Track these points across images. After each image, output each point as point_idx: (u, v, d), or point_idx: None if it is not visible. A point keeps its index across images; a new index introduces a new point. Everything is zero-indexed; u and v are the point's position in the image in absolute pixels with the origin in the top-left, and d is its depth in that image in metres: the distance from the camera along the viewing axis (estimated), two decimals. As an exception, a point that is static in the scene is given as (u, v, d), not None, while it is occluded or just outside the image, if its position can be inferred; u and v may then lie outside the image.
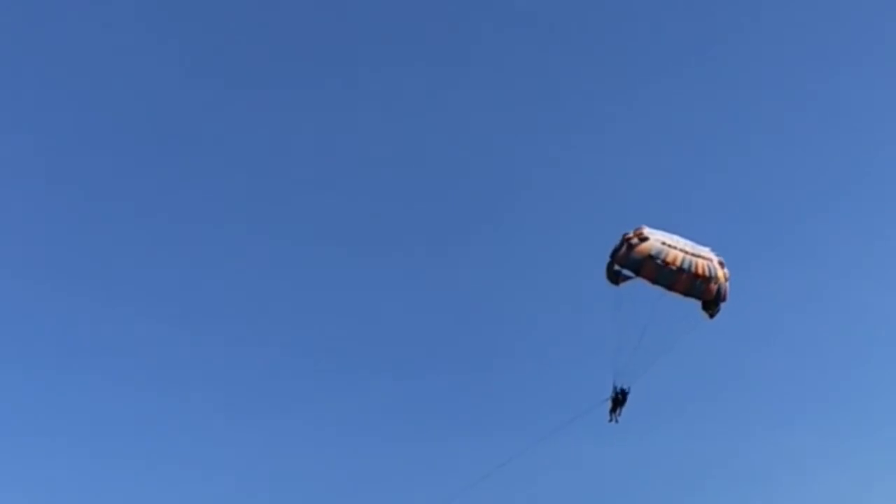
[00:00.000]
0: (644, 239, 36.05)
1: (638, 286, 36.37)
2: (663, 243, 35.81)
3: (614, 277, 36.66)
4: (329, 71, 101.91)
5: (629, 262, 35.86)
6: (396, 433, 79.90)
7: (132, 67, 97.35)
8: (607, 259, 37.22)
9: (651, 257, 35.39)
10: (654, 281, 35.43)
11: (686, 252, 35.77)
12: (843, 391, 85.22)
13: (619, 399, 38.72)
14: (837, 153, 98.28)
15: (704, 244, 37.68)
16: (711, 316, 37.01)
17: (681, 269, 35.24)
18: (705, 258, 36.08)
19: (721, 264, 36.61)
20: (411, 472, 76.92)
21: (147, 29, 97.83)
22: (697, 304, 36.94)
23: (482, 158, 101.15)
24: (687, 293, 35.64)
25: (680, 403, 79.54)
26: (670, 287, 35.45)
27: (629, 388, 38.72)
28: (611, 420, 39.13)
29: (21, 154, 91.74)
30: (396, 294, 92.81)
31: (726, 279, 36.53)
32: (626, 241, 36.57)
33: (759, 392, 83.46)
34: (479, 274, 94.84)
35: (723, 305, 36.90)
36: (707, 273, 35.56)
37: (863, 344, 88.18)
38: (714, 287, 35.87)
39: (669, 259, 35.29)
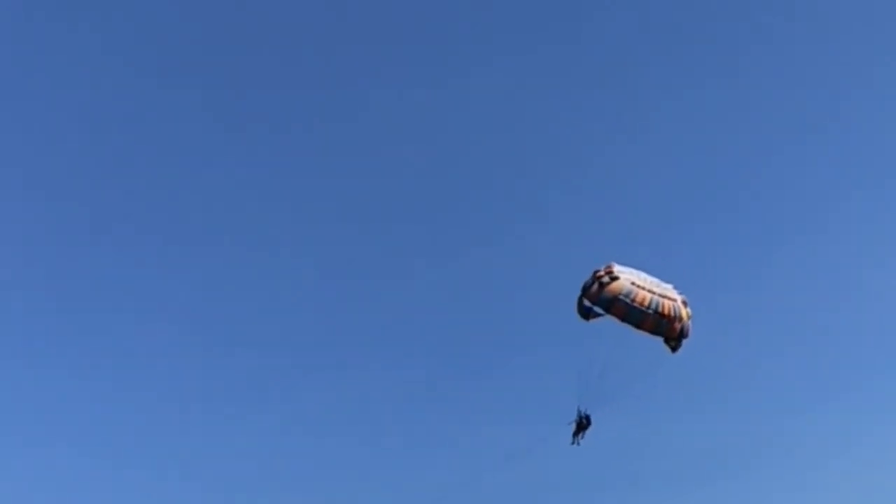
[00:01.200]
0: (615, 278, 38.05)
1: (606, 321, 38.50)
2: (633, 283, 37.90)
3: (585, 313, 38.69)
4: (335, 75, 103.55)
5: (600, 301, 37.91)
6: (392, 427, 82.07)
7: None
8: (578, 294, 39.29)
9: (621, 297, 37.50)
10: (624, 319, 37.58)
11: (653, 293, 37.91)
12: (856, 379, 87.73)
13: (583, 424, 40.85)
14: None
15: (668, 281, 39.91)
16: (674, 350, 39.21)
17: (648, 309, 37.44)
18: (671, 298, 38.27)
19: (684, 303, 38.87)
20: (414, 463, 79.54)
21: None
22: (660, 339, 39.21)
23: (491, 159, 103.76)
24: (653, 331, 37.87)
25: (694, 391, 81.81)
26: (638, 325, 37.64)
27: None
28: (573, 443, 41.25)
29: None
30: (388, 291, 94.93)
31: (689, 318, 38.78)
32: (597, 278, 38.56)
33: (772, 380, 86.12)
34: (473, 273, 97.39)
35: (685, 342, 39.19)
36: (672, 313, 37.82)
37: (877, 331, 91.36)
38: (678, 326, 38.16)
39: (638, 299, 37.44)
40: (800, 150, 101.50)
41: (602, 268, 39.11)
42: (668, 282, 39.81)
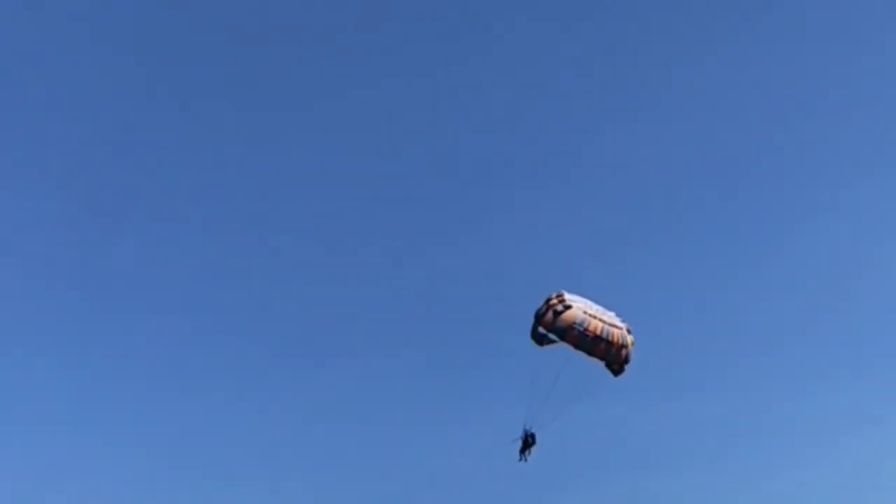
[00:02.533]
0: (568, 307, 40.79)
1: (558, 347, 41.33)
2: (585, 312, 40.79)
3: (539, 340, 41.38)
4: (313, 76, 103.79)
5: (555, 329, 40.61)
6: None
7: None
8: (531, 320, 41.96)
9: (575, 325, 40.32)
10: (577, 347, 40.42)
11: (603, 321, 40.90)
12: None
13: (529, 442, 43.54)
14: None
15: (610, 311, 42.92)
16: (616, 374, 42.37)
17: (599, 338, 40.43)
18: (617, 327, 41.36)
19: (628, 331, 42.03)
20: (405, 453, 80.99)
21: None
22: (602, 363, 42.32)
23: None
24: (603, 358, 40.92)
25: (708, 367, 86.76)
26: (590, 353, 40.61)
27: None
28: (521, 459, 43.88)
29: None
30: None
31: (632, 344, 41.99)
32: (550, 306, 41.24)
33: (784, 355, 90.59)
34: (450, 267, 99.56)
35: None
36: (620, 342, 40.99)
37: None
38: (624, 353, 41.34)
39: (591, 328, 40.37)
40: (794, 141, 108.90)
41: (554, 295, 41.82)
42: (610, 309, 42.97)
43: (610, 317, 41.83)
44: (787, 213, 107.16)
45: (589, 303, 42.15)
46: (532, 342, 41.65)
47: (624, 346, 41.22)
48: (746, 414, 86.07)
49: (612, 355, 40.95)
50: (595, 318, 40.78)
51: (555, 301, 41.38)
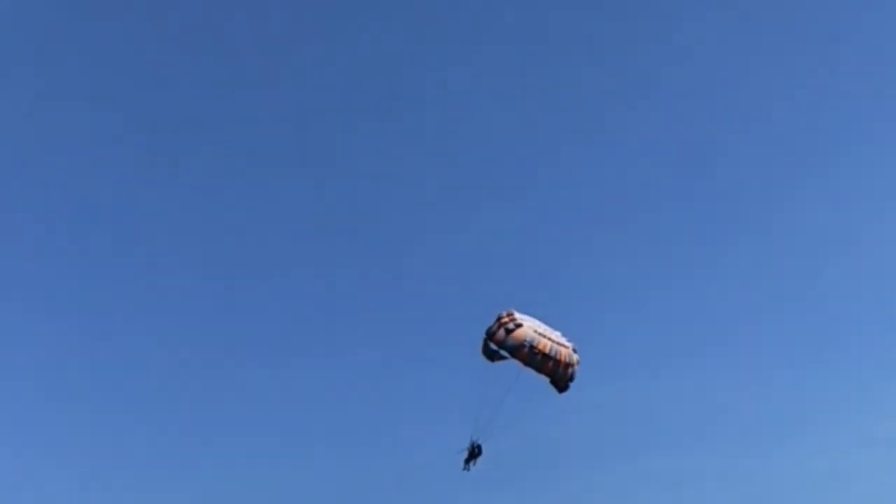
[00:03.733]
0: (518, 325, 42.93)
1: (508, 364, 43.35)
2: (535, 331, 42.96)
3: (490, 356, 43.35)
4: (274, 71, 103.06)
5: (506, 346, 42.66)
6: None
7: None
8: (483, 337, 43.90)
9: (526, 343, 42.44)
10: (527, 364, 42.54)
11: (552, 340, 43.11)
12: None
13: (475, 452, 45.41)
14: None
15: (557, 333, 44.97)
16: (561, 391, 44.54)
17: (548, 356, 42.61)
18: (564, 346, 43.60)
19: (574, 350, 44.27)
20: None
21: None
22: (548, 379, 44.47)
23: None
24: (550, 375, 43.08)
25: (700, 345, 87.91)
26: (539, 370, 42.75)
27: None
28: (465, 468, 45.72)
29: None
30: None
31: (577, 363, 44.24)
32: (501, 324, 43.29)
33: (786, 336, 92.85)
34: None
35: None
36: (568, 360, 43.23)
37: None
38: (570, 371, 43.57)
39: (540, 347, 42.54)
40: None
41: (504, 314, 43.85)
42: (556, 329, 45.17)
43: (557, 336, 44.01)
44: (772, 198, 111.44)
45: (537, 322, 44.27)
46: (483, 358, 43.56)
47: (570, 364, 43.43)
48: (726, 396, 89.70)
49: (558, 373, 43.11)
50: (544, 337, 42.94)
51: (506, 319, 43.40)
